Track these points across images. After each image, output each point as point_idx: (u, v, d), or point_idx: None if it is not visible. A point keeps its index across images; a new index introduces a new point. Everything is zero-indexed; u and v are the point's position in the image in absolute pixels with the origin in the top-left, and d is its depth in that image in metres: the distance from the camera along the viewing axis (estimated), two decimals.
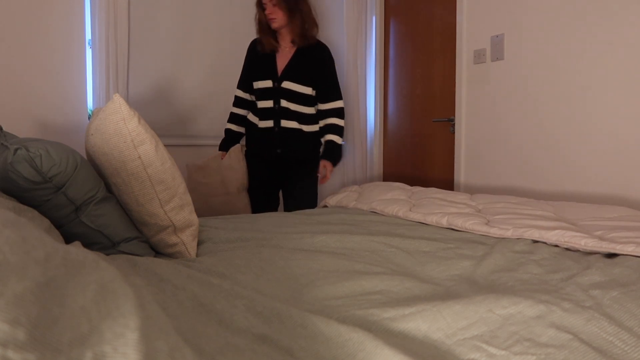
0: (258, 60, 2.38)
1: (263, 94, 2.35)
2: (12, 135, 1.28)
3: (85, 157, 1.59)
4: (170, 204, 1.14)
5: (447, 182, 2.80)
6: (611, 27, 1.92)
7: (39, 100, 2.32)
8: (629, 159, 1.88)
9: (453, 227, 1.51)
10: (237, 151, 2.42)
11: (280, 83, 2.30)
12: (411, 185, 3.01)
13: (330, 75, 2.42)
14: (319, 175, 2.39)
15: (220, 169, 2.36)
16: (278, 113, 2.33)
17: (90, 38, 2.43)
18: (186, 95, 2.81)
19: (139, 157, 1.06)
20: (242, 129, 2.50)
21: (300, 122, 2.36)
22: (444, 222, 1.54)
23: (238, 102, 2.49)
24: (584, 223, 1.37)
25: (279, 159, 2.38)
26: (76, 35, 2.41)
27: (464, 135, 2.61)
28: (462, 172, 2.63)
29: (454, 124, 2.72)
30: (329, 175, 2.41)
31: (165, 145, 2.00)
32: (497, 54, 2.40)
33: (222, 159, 2.41)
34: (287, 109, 2.32)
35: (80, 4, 2.41)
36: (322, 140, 2.44)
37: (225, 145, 2.47)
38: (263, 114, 2.36)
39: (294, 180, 2.42)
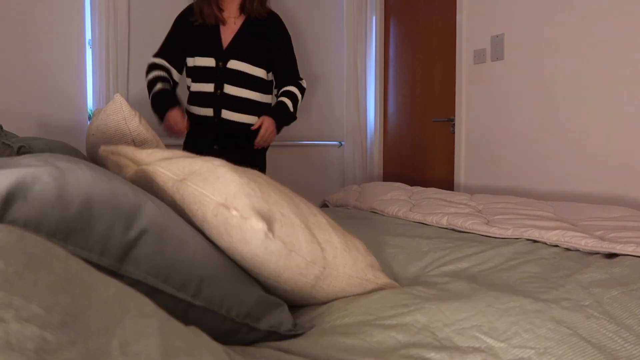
0: (194, 33, 1.90)
1: (201, 74, 1.89)
2: (13, 135, 1.28)
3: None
4: None
5: (447, 182, 2.80)
6: (611, 27, 1.92)
7: (39, 100, 2.32)
8: (629, 159, 1.88)
9: (453, 227, 1.51)
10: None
11: (226, 62, 1.87)
12: (411, 185, 3.01)
13: (289, 52, 1.97)
14: (253, 128, 1.83)
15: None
16: (219, 100, 1.89)
17: (90, 38, 2.43)
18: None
19: None
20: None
21: (247, 114, 1.91)
22: (444, 222, 1.54)
23: (157, 68, 1.91)
24: (584, 223, 1.38)
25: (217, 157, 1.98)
26: (76, 35, 2.41)
27: (464, 135, 2.62)
28: (462, 173, 2.64)
29: (454, 124, 2.72)
30: (267, 136, 1.81)
31: (165, 145, 2.00)
32: (497, 54, 2.40)
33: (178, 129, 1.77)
34: (231, 95, 1.88)
35: (80, 4, 2.41)
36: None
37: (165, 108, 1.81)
38: (199, 99, 1.91)
39: None
